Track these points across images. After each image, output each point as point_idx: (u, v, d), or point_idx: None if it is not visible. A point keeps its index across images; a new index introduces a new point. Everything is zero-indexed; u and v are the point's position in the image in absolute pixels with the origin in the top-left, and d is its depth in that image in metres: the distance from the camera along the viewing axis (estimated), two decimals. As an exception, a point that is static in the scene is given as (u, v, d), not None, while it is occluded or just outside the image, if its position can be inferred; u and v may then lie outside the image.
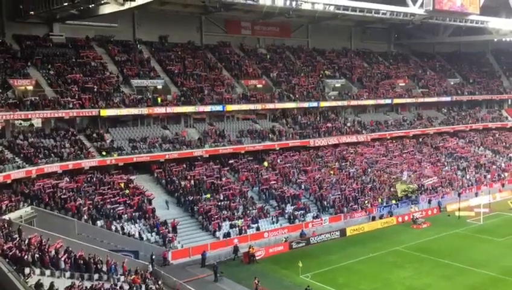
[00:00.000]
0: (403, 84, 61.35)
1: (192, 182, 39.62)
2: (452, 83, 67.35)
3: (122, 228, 32.80)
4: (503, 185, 52.20)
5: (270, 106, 47.99)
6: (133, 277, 24.73)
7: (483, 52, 74.57)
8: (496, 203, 45.56)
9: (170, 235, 33.42)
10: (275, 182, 42.45)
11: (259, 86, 50.13)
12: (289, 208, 39.67)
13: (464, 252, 33.64)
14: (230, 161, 43.80)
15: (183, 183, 39.12)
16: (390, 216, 42.08)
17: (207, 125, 45.66)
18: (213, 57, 51.36)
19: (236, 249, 33.21)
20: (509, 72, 72.25)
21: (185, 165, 41.37)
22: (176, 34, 49.81)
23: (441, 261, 31.88)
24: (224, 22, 53.33)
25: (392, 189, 45.38)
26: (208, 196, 38.21)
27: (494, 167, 55.67)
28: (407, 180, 46.99)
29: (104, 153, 37.21)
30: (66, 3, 33.75)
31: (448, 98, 62.32)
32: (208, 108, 43.90)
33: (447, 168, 53.16)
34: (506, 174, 54.61)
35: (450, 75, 70.11)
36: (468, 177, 52.19)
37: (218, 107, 44.43)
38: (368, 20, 53.43)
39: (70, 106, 37.20)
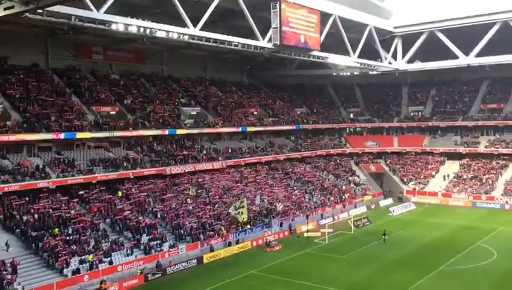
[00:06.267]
0: (255, 113, 64.43)
1: (36, 216, 36.25)
2: (299, 113, 72.71)
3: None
4: (344, 207, 57.25)
5: (127, 133, 46.55)
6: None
7: (324, 85, 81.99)
8: (339, 223, 49.63)
9: (9, 276, 29.94)
10: (129, 212, 40.90)
11: (113, 112, 48.36)
12: (144, 239, 38.44)
13: (313, 271, 35.81)
14: (81, 192, 41.14)
15: (25, 218, 35.56)
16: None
17: (54, 154, 42.48)
18: (61, 82, 48.31)
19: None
20: (346, 104, 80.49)
21: (27, 198, 37.70)
22: (17, 55, 45.84)
23: (293, 281, 33.51)
24: (73, 45, 50.69)
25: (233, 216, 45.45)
26: (56, 230, 35.28)
27: (336, 189, 60.88)
28: (261, 204, 48.85)
29: None
30: None
31: (295, 127, 66.92)
32: (61, 135, 40.90)
33: (296, 191, 56.65)
34: (346, 195, 60.05)
35: (297, 105, 75.65)
36: (314, 200, 56.23)
37: (71, 135, 41.83)
38: (222, 51, 55.29)
39: None
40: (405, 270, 35.24)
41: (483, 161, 66.29)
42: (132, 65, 56.91)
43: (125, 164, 44.58)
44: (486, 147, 66.59)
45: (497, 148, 65.41)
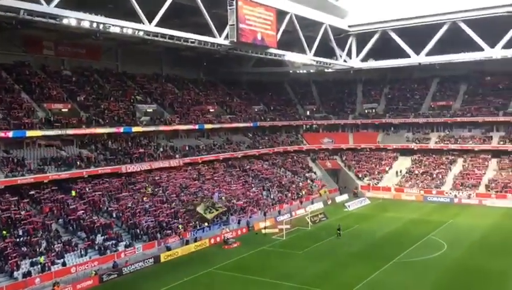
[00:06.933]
0: (213, 110, 64.14)
1: (-17, 218, 34.77)
2: (256, 110, 72.95)
3: None
4: (301, 203, 57.91)
5: (80, 131, 45.30)
6: None
7: (281, 82, 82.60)
8: (296, 219, 50.17)
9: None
10: (83, 212, 39.85)
11: (65, 110, 46.92)
12: (99, 239, 37.57)
13: (271, 267, 36.04)
14: (31, 192, 39.72)
15: (-29, 220, 34.06)
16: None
17: (2, 153, 40.80)
18: (9, 78, 46.42)
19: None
20: (303, 101, 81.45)
21: (-27, 199, 36.14)
22: (-38, 51, 43.79)
23: (251, 277, 33.63)
24: (22, 40, 48.74)
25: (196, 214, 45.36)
26: (5, 232, 33.92)
27: (293, 186, 61.51)
28: (219, 202, 48.69)
29: None
30: None
31: (252, 124, 67.14)
32: (9, 134, 39.21)
33: (254, 189, 56.81)
34: (303, 192, 60.77)
35: (254, 102, 75.89)
36: (272, 196, 56.58)
37: (20, 133, 40.25)
38: (178, 48, 54.66)
39: None
40: (361, 263, 36.03)
41: (434, 156, 68.66)
42: (85, 61, 55.44)
43: (78, 162, 43.40)
44: (436, 143, 69.04)
45: (447, 144, 67.95)
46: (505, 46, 52.38)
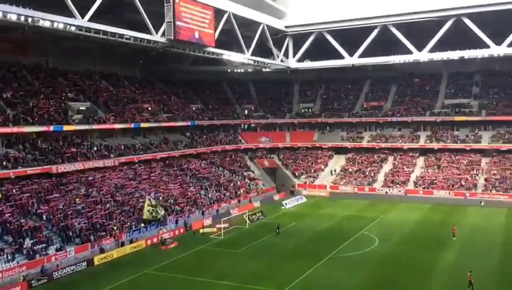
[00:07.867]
0: (150, 108, 62.90)
1: None
2: (194, 109, 72.39)
3: None
4: (239, 202, 58.14)
5: (6, 130, 42.93)
6: None
7: (220, 81, 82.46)
8: (235, 218, 50.32)
9: None
10: (9, 215, 37.80)
11: (-11, 107, 44.38)
12: (28, 243, 35.79)
13: (209, 266, 35.91)
14: (-48, 195, 37.27)
15: None
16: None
17: None
18: None
19: None
20: (241, 100, 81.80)
21: None
22: None
23: (189, 278, 33.33)
24: None
25: (140, 213, 45.44)
26: None
27: (231, 184, 61.62)
28: (155, 202, 47.87)
29: None
30: None
31: (190, 123, 66.56)
32: None
33: (191, 188, 56.35)
34: (242, 190, 61.03)
35: (192, 101, 75.25)
36: (210, 195, 56.39)
37: None
38: (113, 44, 53.04)
39: None
40: (298, 260, 36.74)
41: (366, 154, 71.26)
42: (12, 56, 52.52)
43: (4, 163, 41.12)
44: (368, 141, 71.69)
45: (378, 143, 70.75)
46: (431, 50, 55.30)
